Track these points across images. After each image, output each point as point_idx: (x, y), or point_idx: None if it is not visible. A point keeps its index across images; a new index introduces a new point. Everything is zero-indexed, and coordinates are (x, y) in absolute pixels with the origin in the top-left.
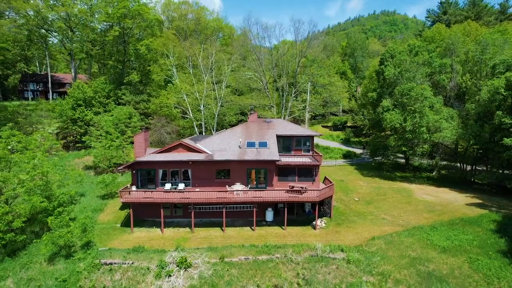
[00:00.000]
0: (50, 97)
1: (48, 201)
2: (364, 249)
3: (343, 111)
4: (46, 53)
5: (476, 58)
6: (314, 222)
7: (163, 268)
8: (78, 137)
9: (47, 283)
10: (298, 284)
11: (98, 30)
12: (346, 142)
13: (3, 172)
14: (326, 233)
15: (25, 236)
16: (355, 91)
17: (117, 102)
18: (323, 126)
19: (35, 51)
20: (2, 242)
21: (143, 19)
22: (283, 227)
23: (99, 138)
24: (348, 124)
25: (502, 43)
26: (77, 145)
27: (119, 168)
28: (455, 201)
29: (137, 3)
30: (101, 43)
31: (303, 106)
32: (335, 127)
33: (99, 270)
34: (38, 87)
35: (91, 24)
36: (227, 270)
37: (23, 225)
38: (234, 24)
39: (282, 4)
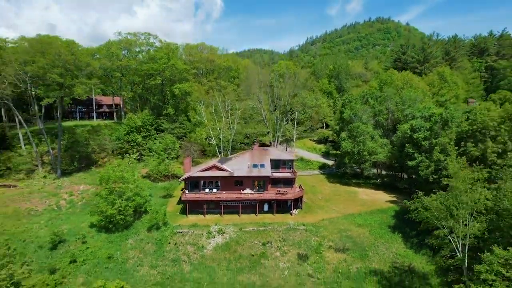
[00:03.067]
0: (94, 116)
1: (141, 199)
2: (316, 224)
3: (327, 125)
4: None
5: (400, 107)
6: (291, 211)
7: (210, 233)
8: (132, 155)
9: (151, 241)
10: (279, 241)
11: (142, 73)
12: (326, 154)
13: (125, 185)
14: (297, 217)
15: (132, 219)
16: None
17: (157, 129)
18: (310, 140)
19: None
20: (124, 221)
21: (176, 69)
22: (274, 214)
23: (151, 157)
24: (330, 139)
25: (414, 98)
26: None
27: (180, 179)
28: (381, 199)
29: (173, 60)
30: (143, 83)
31: (292, 127)
32: (319, 141)
33: (176, 235)
34: (83, 109)
35: (137, 67)
36: (244, 234)
37: (132, 213)
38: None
39: (284, 3)
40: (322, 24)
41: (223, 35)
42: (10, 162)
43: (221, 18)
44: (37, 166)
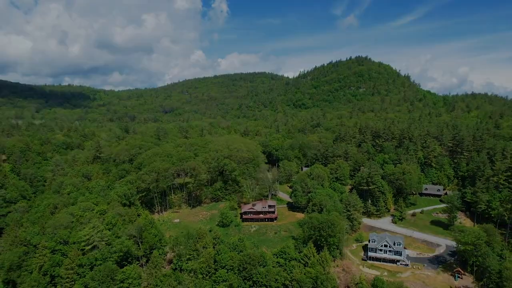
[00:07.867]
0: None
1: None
2: (280, 224)
3: None
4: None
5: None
6: (274, 221)
7: (251, 227)
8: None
9: (236, 228)
10: (270, 229)
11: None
12: (290, 196)
13: (225, 213)
14: (275, 223)
15: (229, 222)
16: (301, 168)
17: (226, 189)
18: (287, 185)
19: None
20: (227, 223)
21: (233, 168)
22: (268, 222)
23: (230, 201)
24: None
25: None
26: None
27: (241, 212)
28: (301, 216)
29: (231, 164)
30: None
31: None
32: (290, 186)
33: (242, 227)
34: None
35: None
36: (260, 227)
37: (229, 220)
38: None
39: (286, 3)
40: (325, 27)
41: (228, 35)
42: (170, 201)
43: (227, 22)
44: (181, 203)
